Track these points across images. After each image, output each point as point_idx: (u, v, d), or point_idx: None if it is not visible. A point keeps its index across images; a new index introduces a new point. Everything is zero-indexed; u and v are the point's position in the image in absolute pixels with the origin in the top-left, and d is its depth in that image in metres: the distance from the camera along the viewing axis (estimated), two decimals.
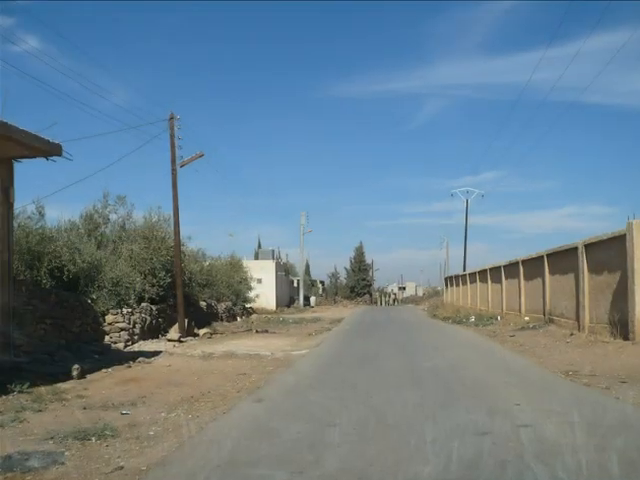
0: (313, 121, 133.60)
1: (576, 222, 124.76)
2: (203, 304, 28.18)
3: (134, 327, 18.30)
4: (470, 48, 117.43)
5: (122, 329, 17.44)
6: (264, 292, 48.34)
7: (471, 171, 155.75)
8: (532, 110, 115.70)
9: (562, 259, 19.42)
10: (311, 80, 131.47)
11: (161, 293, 21.96)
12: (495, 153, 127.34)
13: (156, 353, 14.93)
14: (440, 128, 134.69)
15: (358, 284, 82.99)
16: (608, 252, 15.57)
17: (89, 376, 10.87)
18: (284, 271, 59.09)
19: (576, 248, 17.70)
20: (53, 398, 8.62)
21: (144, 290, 20.70)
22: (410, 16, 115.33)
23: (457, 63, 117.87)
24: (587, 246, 17.01)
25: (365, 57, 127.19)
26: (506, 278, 27.57)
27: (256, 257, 57.72)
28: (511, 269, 26.67)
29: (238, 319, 33.17)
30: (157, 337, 19.91)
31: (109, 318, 17.36)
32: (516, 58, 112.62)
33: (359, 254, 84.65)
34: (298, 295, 60.98)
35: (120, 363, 12.62)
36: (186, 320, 20.79)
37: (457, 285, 43.85)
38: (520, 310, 24.40)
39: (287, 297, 59.62)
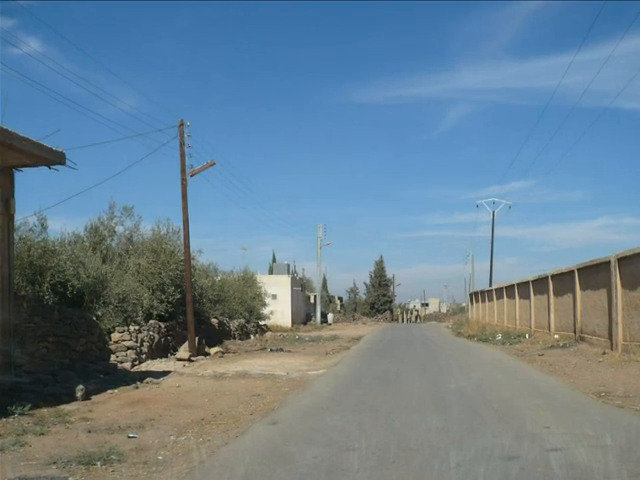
0: (331, 128, 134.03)
1: (609, 234, 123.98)
2: (214, 321, 28.20)
3: (142, 345, 18.34)
4: (496, 51, 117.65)
5: (129, 348, 17.50)
6: (279, 308, 48.40)
7: (497, 181, 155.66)
8: (562, 116, 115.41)
9: (594, 274, 19.24)
10: (329, 85, 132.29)
11: (170, 310, 22.00)
12: (523, 162, 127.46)
13: (165, 373, 14.98)
14: (465, 135, 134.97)
15: (378, 300, 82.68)
16: None
17: (94, 397, 10.91)
18: (300, 286, 59.09)
19: (608, 262, 17.53)
20: (56, 420, 8.66)
21: (152, 306, 20.77)
22: (433, 18, 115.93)
23: (483, 67, 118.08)
24: (620, 260, 16.83)
25: (386, 61, 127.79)
26: (535, 294, 27.40)
27: (270, 272, 57.86)
28: (540, 284, 26.49)
29: (251, 337, 33.18)
30: (166, 356, 19.95)
31: (115, 336, 17.42)
32: (545, 61, 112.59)
33: (379, 268, 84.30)
34: (315, 312, 60.91)
35: (127, 383, 12.65)
36: (196, 338, 20.79)
37: (483, 301, 43.62)
38: (549, 328, 24.21)
39: (303, 314, 59.61)
